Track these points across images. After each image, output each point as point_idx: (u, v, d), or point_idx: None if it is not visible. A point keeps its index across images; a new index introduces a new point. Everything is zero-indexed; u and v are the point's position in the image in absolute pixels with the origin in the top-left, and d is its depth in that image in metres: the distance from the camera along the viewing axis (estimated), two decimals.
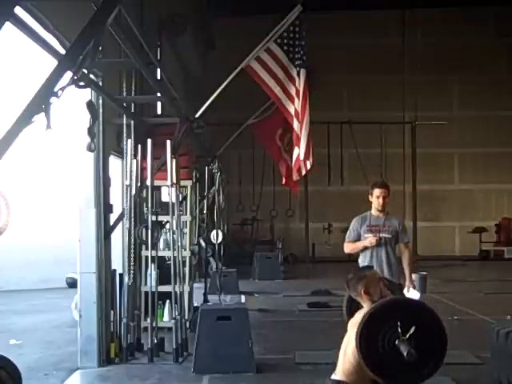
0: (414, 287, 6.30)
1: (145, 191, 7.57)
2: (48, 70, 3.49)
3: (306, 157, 7.55)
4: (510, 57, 22.59)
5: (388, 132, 20.78)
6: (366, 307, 3.92)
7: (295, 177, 9.60)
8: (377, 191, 6.33)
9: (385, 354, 3.46)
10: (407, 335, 3.42)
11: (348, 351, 3.80)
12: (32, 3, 4.58)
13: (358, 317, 3.91)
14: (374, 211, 6.36)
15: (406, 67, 22.25)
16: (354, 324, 3.90)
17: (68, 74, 3.68)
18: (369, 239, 6.17)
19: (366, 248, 6.23)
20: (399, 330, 3.43)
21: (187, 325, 7.71)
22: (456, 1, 21.23)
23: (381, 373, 3.52)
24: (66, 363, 7.16)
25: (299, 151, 7.61)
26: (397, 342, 3.43)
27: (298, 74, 7.42)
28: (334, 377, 3.92)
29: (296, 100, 7.45)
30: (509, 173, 22.57)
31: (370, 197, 6.40)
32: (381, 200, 6.29)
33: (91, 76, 5.43)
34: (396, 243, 6.33)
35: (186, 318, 7.83)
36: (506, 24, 21.84)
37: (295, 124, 7.49)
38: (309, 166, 8.15)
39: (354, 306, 4.26)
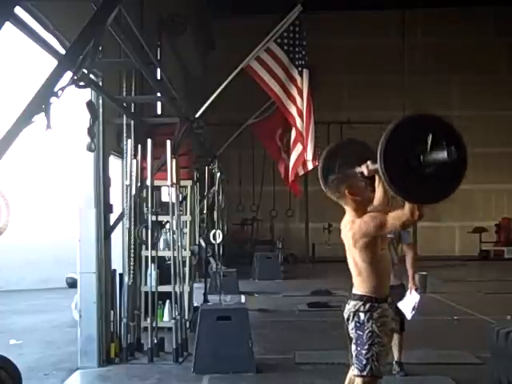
0: (417, 289, 6.29)
1: (145, 191, 7.57)
2: (48, 70, 3.49)
3: (313, 157, 7.57)
4: (510, 57, 22.59)
5: None
6: (349, 210, 4.00)
7: (292, 177, 9.59)
8: None
9: (413, 175, 3.34)
10: (428, 147, 3.30)
11: (357, 260, 3.94)
12: (32, 3, 4.58)
13: (344, 223, 4.04)
14: None
15: (405, 67, 22.25)
16: (345, 232, 4.04)
17: (68, 74, 3.68)
18: None
19: None
20: (420, 144, 3.29)
21: (187, 325, 7.71)
22: (456, 1, 21.22)
23: (409, 193, 3.42)
24: (66, 363, 7.15)
25: (303, 150, 7.61)
26: (421, 158, 3.31)
27: (300, 74, 7.43)
28: (354, 291, 4.02)
29: (298, 99, 7.45)
30: (509, 173, 22.57)
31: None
32: None
33: (91, 76, 5.43)
34: (398, 244, 6.33)
35: (186, 317, 7.83)
36: (506, 24, 21.84)
37: (298, 123, 7.49)
38: (311, 167, 8.16)
39: (329, 173, 4.23)
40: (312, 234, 19.96)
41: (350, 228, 3.98)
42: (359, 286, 4.00)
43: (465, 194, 22.76)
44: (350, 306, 4.03)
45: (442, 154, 3.23)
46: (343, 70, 21.72)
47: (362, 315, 3.96)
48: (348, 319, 4.04)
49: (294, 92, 7.47)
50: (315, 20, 15.76)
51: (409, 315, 6.19)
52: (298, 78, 7.42)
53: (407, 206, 3.61)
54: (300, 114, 7.45)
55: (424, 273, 11.59)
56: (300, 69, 7.43)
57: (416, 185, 3.37)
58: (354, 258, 4.00)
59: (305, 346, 7.85)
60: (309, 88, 7.43)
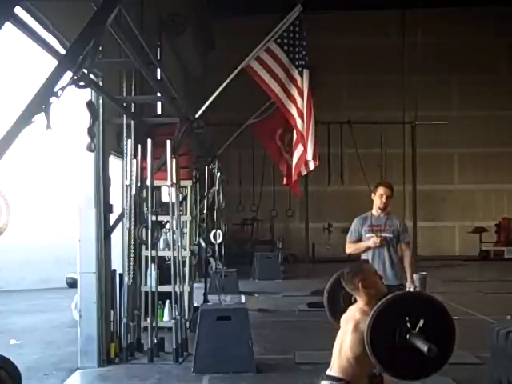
0: (415, 288, 6.29)
1: (145, 191, 7.57)
2: (48, 70, 3.49)
3: (314, 157, 7.57)
4: (510, 57, 22.59)
5: (388, 132, 20.75)
6: (361, 301, 3.88)
7: (295, 176, 9.59)
8: (381, 189, 6.34)
9: (396, 349, 3.43)
10: (417, 329, 3.39)
11: (344, 347, 3.77)
12: (32, 3, 4.58)
13: (351, 312, 3.89)
14: (374, 211, 6.36)
15: (405, 67, 22.25)
16: (347, 320, 3.88)
17: (68, 74, 3.68)
18: (372, 240, 6.16)
19: (368, 248, 6.23)
20: (408, 324, 3.41)
21: (187, 325, 7.71)
22: (456, 1, 21.22)
23: (393, 369, 3.50)
24: (66, 363, 7.16)
25: (304, 151, 7.61)
26: (408, 337, 3.40)
27: (301, 74, 7.42)
28: (329, 373, 3.88)
29: (299, 100, 7.44)
30: (509, 173, 22.57)
31: (372, 195, 6.40)
32: (384, 199, 6.29)
33: (91, 76, 5.43)
34: (397, 243, 6.33)
35: (186, 317, 7.83)
36: (506, 24, 21.84)
37: (299, 123, 7.49)
38: (312, 167, 8.16)
39: (335, 304, 4.26)
40: (312, 234, 19.94)
41: (353, 330, 3.76)
42: (336, 370, 3.83)
43: (465, 193, 22.83)
44: None
45: (423, 347, 3.32)
46: (343, 69, 21.72)
47: None
48: None
49: (294, 92, 7.46)
50: (315, 20, 15.74)
51: None
52: (298, 79, 7.42)
53: None
54: (300, 115, 7.44)
55: (424, 273, 11.58)
56: (300, 69, 7.42)
57: (397, 358, 3.47)
58: (342, 347, 3.82)
59: (305, 346, 7.85)
60: (309, 88, 7.42)
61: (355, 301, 4.00)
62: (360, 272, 3.94)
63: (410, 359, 3.45)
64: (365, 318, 3.64)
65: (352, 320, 3.80)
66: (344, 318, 3.95)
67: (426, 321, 3.42)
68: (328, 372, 3.89)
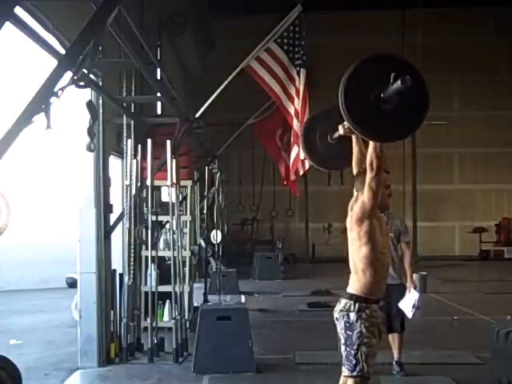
0: (416, 287, 6.29)
1: (145, 191, 7.57)
2: (48, 70, 3.49)
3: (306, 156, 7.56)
4: (510, 57, 22.60)
5: None
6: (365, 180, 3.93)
7: (292, 176, 9.59)
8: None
9: (372, 111, 3.36)
10: (390, 83, 3.31)
11: (355, 257, 3.99)
12: (32, 3, 4.58)
13: (353, 200, 4.09)
14: None
15: None
16: (350, 207, 4.08)
17: (68, 74, 3.68)
18: None
19: None
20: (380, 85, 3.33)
21: (187, 325, 7.71)
22: (456, 1, 21.23)
23: (371, 131, 3.46)
24: (66, 363, 7.15)
25: (299, 150, 7.62)
26: (382, 95, 3.34)
27: (298, 74, 7.43)
28: (348, 289, 4.03)
29: (296, 100, 7.45)
30: (509, 173, 22.57)
31: None
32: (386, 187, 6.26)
33: (91, 76, 5.43)
34: (398, 243, 6.33)
35: (186, 317, 7.83)
36: (506, 24, 21.85)
37: (295, 123, 7.51)
38: (307, 166, 8.16)
39: (311, 140, 4.38)
40: (312, 234, 19.98)
41: (351, 209, 4.04)
42: (352, 285, 4.02)
43: (465, 193, 22.83)
44: (340, 306, 4.02)
45: (397, 84, 3.22)
46: (343, 70, 21.48)
47: (351, 315, 3.95)
48: (338, 319, 4.03)
49: (293, 92, 7.48)
50: (315, 20, 15.77)
51: (409, 314, 6.18)
52: (297, 78, 7.43)
53: (371, 144, 3.73)
54: (297, 114, 7.45)
55: (424, 273, 11.59)
56: (298, 68, 7.43)
57: (379, 122, 3.39)
58: (353, 256, 4.02)
59: (305, 346, 7.85)
60: (305, 87, 7.42)
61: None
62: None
63: (388, 119, 3.38)
64: (359, 199, 3.93)
65: (353, 219, 4.01)
66: (348, 222, 4.09)
67: (397, 76, 3.28)
68: (347, 289, 4.05)
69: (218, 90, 7.40)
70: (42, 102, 3.39)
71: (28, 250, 13.87)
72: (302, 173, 9.15)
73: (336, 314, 4.04)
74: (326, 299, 11.51)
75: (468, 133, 22.48)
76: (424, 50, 21.62)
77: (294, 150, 7.95)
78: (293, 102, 7.48)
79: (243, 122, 11.47)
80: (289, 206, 20.44)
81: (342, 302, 4.01)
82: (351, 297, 3.96)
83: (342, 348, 4.02)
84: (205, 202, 11.57)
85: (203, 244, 10.88)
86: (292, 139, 8.11)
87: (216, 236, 11.33)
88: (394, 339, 6.43)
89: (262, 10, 15.67)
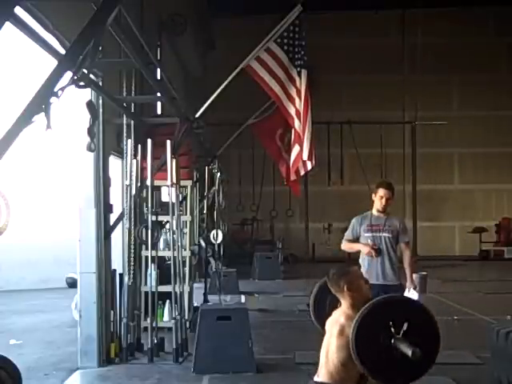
0: (415, 288, 6.28)
1: (145, 191, 7.57)
2: (48, 70, 3.49)
3: (309, 157, 7.57)
4: (510, 57, 22.60)
5: (388, 132, 20.78)
6: (345, 304, 3.86)
7: (293, 176, 9.60)
8: (381, 191, 6.29)
9: (382, 354, 3.45)
10: (401, 333, 3.42)
11: (331, 352, 3.76)
12: (32, 3, 4.58)
13: (336, 316, 3.87)
14: (374, 211, 6.35)
15: (405, 67, 22.26)
16: (332, 324, 3.86)
17: (68, 74, 3.68)
18: (368, 249, 6.13)
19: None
20: (392, 329, 3.43)
21: (187, 325, 7.70)
22: (456, 1, 21.23)
23: (379, 374, 3.51)
24: (66, 363, 7.15)
25: (300, 151, 7.62)
26: (393, 341, 3.43)
27: (299, 74, 7.42)
28: (316, 379, 3.87)
29: (297, 100, 7.45)
30: (509, 173, 22.57)
31: (373, 195, 6.37)
32: (383, 201, 6.26)
33: (91, 76, 5.43)
34: (397, 243, 6.32)
35: (186, 317, 7.83)
36: (506, 24, 21.85)
37: (296, 123, 7.50)
38: (309, 167, 8.16)
39: (320, 308, 4.28)
40: (312, 234, 20.00)
41: (338, 335, 3.77)
42: (324, 375, 3.84)
43: (465, 193, 22.83)
44: None
45: (407, 351, 3.36)
46: (343, 69, 21.72)
47: None
48: None
49: (293, 93, 7.47)
50: (315, 20, 15.77)
51: None
52: (298, 79, 7.42)
53: None
54: (298, 115, 7.45)
55: (424, 273, 11.57)
56: (299, 69, 7.43)
57: (389, 368, 3.51)
58: (329, 351, 3.82)
59: (305, 346, 7.83)
60: (307, 88, 7.42)
61: (340, 305, 3.98)
62: (346, 274, 3.91)
63: (396, 363, 3.47)
64: (349, 322, 3.64)
65: (337, 324, 3.78)
66: (329, 322, 3.93)
67: (410, 324, 3.43)
68: (316, 378, 3.88)
69: (218, 90, 7.39)
70: (42, 102, 3.39)
71: (28, 250, 13.87)
72: (302, 173, 9.17)
73: None
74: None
75: (468, 133, 22.48)
76: (424, 50, 21.69)
77: (295, 150, 7.94)
78: (293, 102, 7.47)
79: (243, 122, 11.47)
80: (289, 206, 20.44)
81: None
82: None
83: None
84: (205, 202, 11.56)
85: (203, 244, 10.88)
86: (293, 139, 8.11)
87: (216, 236, 11.33)
88: None
89: (261, 10, 15.66)
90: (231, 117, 14.39)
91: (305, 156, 7.56)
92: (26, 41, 4.24)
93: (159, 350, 7.27)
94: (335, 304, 4.06)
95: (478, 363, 6.93)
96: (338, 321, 3.79)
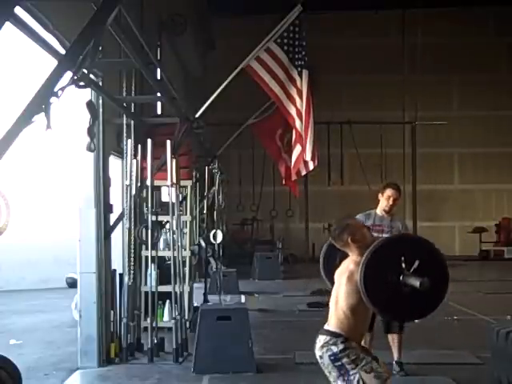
0: None
1: (145, 191, 7.56)
2: (48, 70, 3.49)
3: (312, 158, 7.56)
4: (510, 57, 22.60)
5: (388, 132, 20.76)
6: (353, 255, 3.87)
7: (294, 176, 9.59)
8: (389, 191, 6.30)
9: (391, 291, 3.46)
10: (411, 270, 3.43)
11: (340, 300, 3.78)
12: (32, 3, 4.57)
13: (345, 265, 3.88)
14: (379, 211, 6.34)
15: (405, 67, 22.26)
16: (341, 273, 3.87)
17: (68, 74, 3.68)
18: None
19: None
20: (403, 265, 3.44)
21: (187, 325, 7.70)
22: (456, 1, 21.23)
23: (389, 312, 3.58)
24: (66, 363, 7.15)
25: (302, 151, 7.61)
26: (401, 278, 3.44)
27: (300, 75, 7.42)
28: (326, 327, 3.88)
29: (298, 100, 7.44)
30: (509, 173, 22.57)
31: (379, 195, 6.37)
32: (391, 201, 6.26)
33: (91, 76, 5.43)
34: None
35: (186, 317, 7.83)
36: (506, 24, 21.85)
37: (297, 124, 7.49)
38: (311, 167, 8.16)
39: (330, 263, 4.28)
40: (312, 234, 19.97)
41: (347, 281, 3.76)
42: (333, 324, 3.82)
43: (465, 193, 22.83)
44: (320, 343, 3.85)
45: (415, 282, 3.38)
46: (343, 69, 21.73)
47: (333, 348, 3.77)
48: (321, 356, 3.85)
49: (294, 93, 7.46)
50: (315, 20, 15.78)
51: None
52: (298, 79, 7.42)
53: None
54: (299, 115, 7.44)
55: None
56: (299, 69, 7.42)
57: (398, 303, 3.54)
58: (338, 299, 3.82)
59: (305, 346, 7.77)
60: (308, 89, 7.42)
61: None
62: (347, 227, 3.92)
63: (405, 301, 3.48)
64: (358, 268, 3.65)
65: (346, 271, 3.80)
66: (338, 272, 3.93)
67: (419, 261, 3.44)
68: (326, 326, 3.89)
69: (218, 90, 7.39)
70: (42, 101, 3.39)
71: (28, 250, 13.86)
72: (304, 173, 9.17)
73: (318, 352, 3.86)
74: (326, 299, 11.51)
75: (468, 133, 22.48)
76: (424, 50, 21.67)
77: (297, 150, 7.94)
78: (294, 102, 7.47)
79: (243, 122, 11.48)
80: (289, 206, 20.43)
81: (321, 339, 3.84)
82: (332, 333, 3.79)
83: (339, 382, 3.81)
84: (205, 202, 11.56)
85: (203, 244, 10.88)
86: (294, 139, 8.11)
87: (216, 236, 11.33)
88: (393, 340, 6.43)
89: (262, 10, 15.67)
90: (231, 117, 14.39)
91: (308, 156, 7.55)
92: (26, 41, 4.24)
93: (159, 349, 7.27)
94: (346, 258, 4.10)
95: (478, 363, 6.93)
96: (347, 268, 3.82)
